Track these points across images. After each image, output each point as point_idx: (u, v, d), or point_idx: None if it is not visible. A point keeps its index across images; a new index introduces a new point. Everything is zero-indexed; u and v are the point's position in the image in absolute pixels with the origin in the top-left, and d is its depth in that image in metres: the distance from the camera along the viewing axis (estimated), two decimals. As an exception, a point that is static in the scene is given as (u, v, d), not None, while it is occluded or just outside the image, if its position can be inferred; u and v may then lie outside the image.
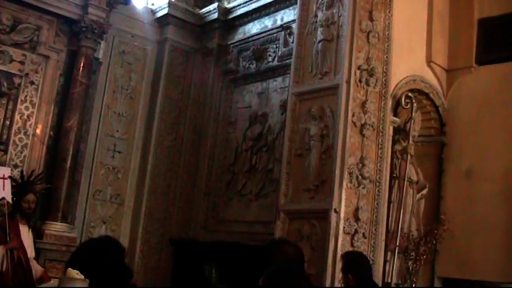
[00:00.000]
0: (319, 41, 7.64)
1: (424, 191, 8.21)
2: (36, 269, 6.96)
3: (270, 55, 9.64)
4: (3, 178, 6.86)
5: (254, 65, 9.90)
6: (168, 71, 10.67)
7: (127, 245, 9.41)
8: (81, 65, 9.56)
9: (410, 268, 7.91)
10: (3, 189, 6.81)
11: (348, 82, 7.30)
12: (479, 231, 7.65)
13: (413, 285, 7.86)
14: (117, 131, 10.35)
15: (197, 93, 10.71)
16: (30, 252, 6.92)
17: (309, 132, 7.47)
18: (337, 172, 7.08)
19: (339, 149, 7.12)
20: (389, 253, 7.70)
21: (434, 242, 7.90)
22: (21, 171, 7.85)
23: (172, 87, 10.68)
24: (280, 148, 8.92)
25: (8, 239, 6.53)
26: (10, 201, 6.90)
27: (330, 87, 7.44)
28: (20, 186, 7.18)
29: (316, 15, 7.78)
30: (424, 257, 7.89)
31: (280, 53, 9.48)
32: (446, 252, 7.92)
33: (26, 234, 6.85)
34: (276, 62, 9.55)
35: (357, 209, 7.16)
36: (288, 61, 9.05)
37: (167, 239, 10.24)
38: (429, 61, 8.31)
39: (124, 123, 10.42)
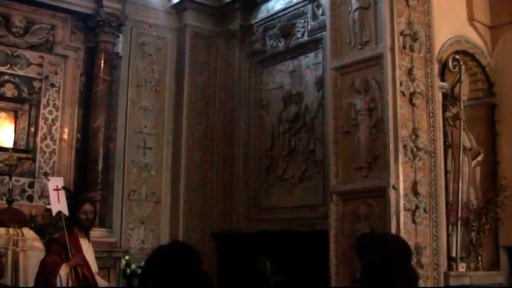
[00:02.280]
0: (355, 10, 7.24)
1: (479, 157, 7.89)
2: (103, 284, 6.49)
3: (298, 31, 9.12)
4: (57, 189, 6.31)
5: (282, 42, 9.38)
6: (191, 58, 10.20)
7: (168, 243, 9.03)
8: (102, 61, 9.20)
9: (474, 240, 7.54)
10: (58, 202, 6.27)
11: (392, 50, 6.94)
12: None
13: (479, 258, 7.49)
14: (145, 126, 9.93)
15: (224, 78, 10.25)
16: (94, 266, 6.40)
17: (355, 107, 7.11)
18: (391, 146, 6.75)
19: (390, 122, 6.77)
20: (449, 226, 7.32)
21: (496, 210, 7.50)
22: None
23: (197, 75, 10.21)
24: (320, 127, 8.61)
25: (69, 255, 6.01)
26: (67, 214, 6.36)
27: (373, 57, 7.07)
28: (74, 197, 6.66)
29: (348, -18, 7.33)
30: (487, 226, 7.53)
31: (309, 27, 8.96)
32: (510, 219, 7.55)
33: (86, 248, 6.26)
34: (305, 38, 9.04)
35: (415, 183, 6.83)
36: (319, 35, 8.76)
37: (209, 233, 9.90)
38: (471, 19, 7.90)
39: (152, 117, 10.01)
